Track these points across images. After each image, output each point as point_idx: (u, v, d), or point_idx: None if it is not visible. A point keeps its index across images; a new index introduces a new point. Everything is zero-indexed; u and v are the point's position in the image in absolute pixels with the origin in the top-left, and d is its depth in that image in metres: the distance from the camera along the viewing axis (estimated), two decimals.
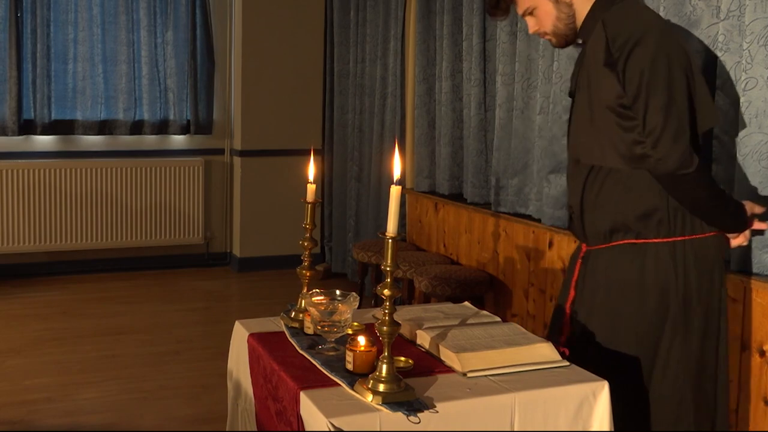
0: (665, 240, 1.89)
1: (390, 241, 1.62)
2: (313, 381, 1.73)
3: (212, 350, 3.72)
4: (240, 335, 2.14)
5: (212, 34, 5.33)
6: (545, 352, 1.74)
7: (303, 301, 2.09)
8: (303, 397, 1.67)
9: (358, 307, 1.89)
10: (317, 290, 1.99)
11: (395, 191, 1.62)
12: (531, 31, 2.04)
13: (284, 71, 5.29)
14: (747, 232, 1.98)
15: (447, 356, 1.75)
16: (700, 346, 1.91)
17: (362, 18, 4.86)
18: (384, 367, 1.63)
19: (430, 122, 4.18)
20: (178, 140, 5.37)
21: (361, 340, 1.75)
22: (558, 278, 3.12)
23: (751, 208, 1.97)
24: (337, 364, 1.79)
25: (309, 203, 2.18)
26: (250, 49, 5.19)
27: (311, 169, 2.22)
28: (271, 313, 2.31)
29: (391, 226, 1.64)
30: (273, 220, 5.32)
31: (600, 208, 1.93)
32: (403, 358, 1.76)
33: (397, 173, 1.64)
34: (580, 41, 2.02)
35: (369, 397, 1.58)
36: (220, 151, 5.44)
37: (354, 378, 1.69)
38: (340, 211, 5.16)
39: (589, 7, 1.95)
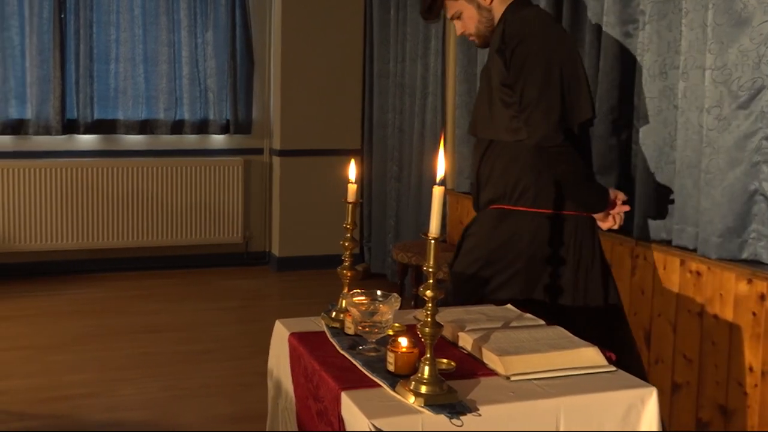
0: (529, 210, 2.24)
1: (432, 242, 1.63)
2: (354, 381, 1.74)
3: (250, 349, 3.76)
4: (280, 334, 2.17)
5: (251, 34, 5.40)
6: (591, 356, 1.72)
7: (344, 302, 2.11)
8: (344, 397, 1.68)
9: (399, 308, 1.91)
10: (358, 290, 2.00)
11: (438, 192, 1.62)
12: (458, 33, 2.38)
13: (323, 71, 5.32)
14: (618, 218, 2.31)
15: (490, 359, 1.74)
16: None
17: (402, 16, 4.88)
18: (426, 368, 1.63)
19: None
20: (218, 140, 5.45)
21: (403, 341, 1.76)
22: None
23: (615, 194, 2.29)
24: (378, 365, 1.80)
25: (350, 203, 2.19)
26: (289, 49, 5.25)
27: (353, 169, 2.24)
28: (310, 313, 2.33)
29: (434, 227, 1.64)
30: (312, 219, 5.36)
31: (490, 180, 2.30)
32: (445, 360, 1.76)
33: (440, 173, 1.64)
34: None
35: (411, 399, 1.58)
36: (260, 151, 5.50)
37: (395, 379, 1.70)
38: (379, 212, 5.18)
39: (501, 9, 2.28)
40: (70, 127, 5.10)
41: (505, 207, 2.27)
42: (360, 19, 5.37)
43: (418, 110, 4.68)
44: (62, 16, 4.98)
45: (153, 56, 5.22)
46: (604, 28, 3.01)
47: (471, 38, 2.38)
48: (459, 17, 2.32)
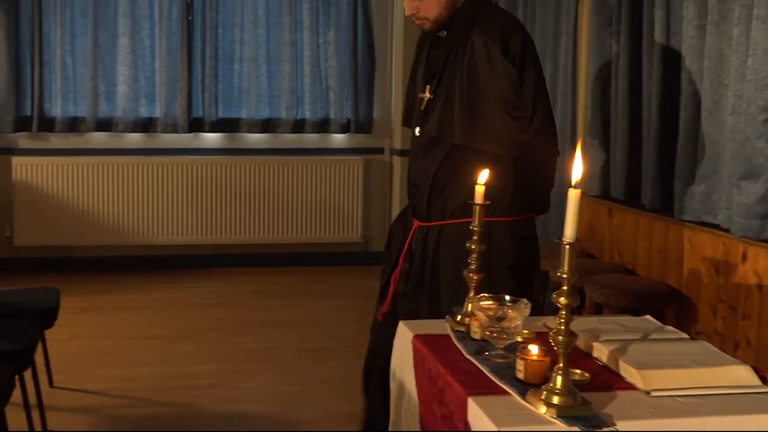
0: (505, 219, 2.25)
1: (568, 247, 1.60)
2: (481, 387, 1.74)
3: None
4: (404, 336, 2.20)
5: (373, 34, 5.49)
6: (742, 375, 1.64)
7: (470, 305, 2.11)
8: (471, 403, 1.69)
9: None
10: (485, 294, 2.00)
11: (574, 195, 1.59)
12: (408, 13, 2.26)
13: None
14: None
15: (628, 372, 1.70)
16: None
17: (531, 13, 4.81)
18: (559, 378, 1.61)
19: (603, 123, 4.05)
20: (339, 139, 5.58)
21: (534, 348, 1.74)
22: (753, 295, 2.93)
23: None
24: (506, 371, 1.79)
25: (477, 205, 2.19)
26: (411, 48, 5.27)
27: (485, 172, 2.23)
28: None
29: (569, 231, 1.61)
30: None
31: (455, 186, 2.22)
32: (578, 371, 1.73)
33: (577, 176, 1.62)
34: (443, 33, 2.28)
35: (542, 409, 1.57)
36: (380, 150, 5.59)
37: (525, 388, 1.69)
38: None
39: None
40: (196, 125, 5.39)
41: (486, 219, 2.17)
42: None
43: None
44: (189, 18, 5.28)
45: (275, 56, 5.43)
46: (753, 22, 2.86)
47: (421, 22, 2.27)
48: None
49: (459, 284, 2.14)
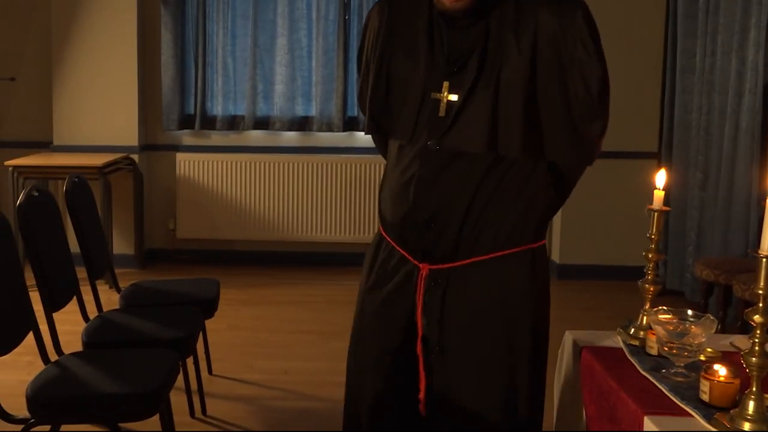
0: (525, 248, 1.77)
1: (764, 260, 1.52)
2: (659, 407, 1.69)
3: None
4: (570, 346, 2.16)
5: None
6: None
7: (645, 318, 2.05)
8: (648, 422, 1.64)
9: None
10: (663, 308, 1.93)
11: None
12: None
13: (616, 67, 5.12)
14: None
15: None
16: None
17: (714, 6, 4.56)
18: (751, 404, 1.53)
19: None
20: None
21: (721, 369, 1.66)
22: None
23: None
24: (688, 392, 1.72)
25: (655, 211, 2.12)
26: None
27: (661, 176, 2.16)
28: (595, 326, 2.30)
29: (767, 243, 1.53)
30: (597, 226, 5.25)
31: (496, 210, 1.73)
32: None
33: None
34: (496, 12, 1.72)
35: None
36: None
37: (710, 411, 1.62)
38: (678, 223, 4.91)
39: None
40: (351, 124, 5.56)
41: (526, 247, 1.77)
42: (662, 12, 5.13)
43: (730, 110, 4.34)
44: (346, 17, 5.45)
45: None
46: None
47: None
48: None
49: (496, 338, 1.74)
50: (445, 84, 1.71)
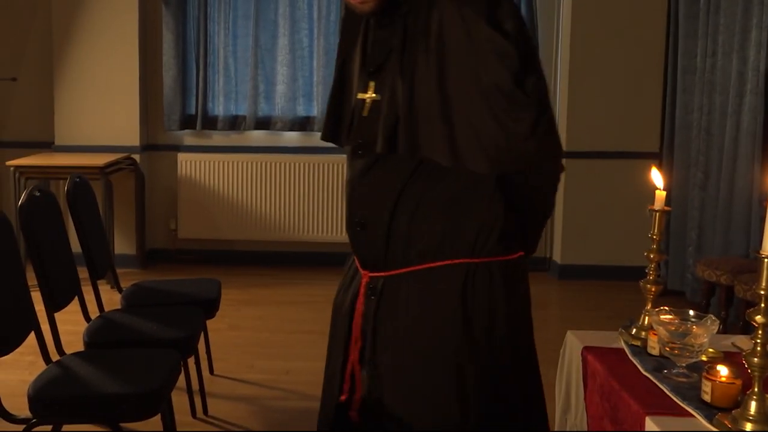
0: (493, 259, 1.64)
1: (766, 261, 1.52)
2: (661, 407, 1.69)
3: None
4: (572, 346, 2.16)
5: (537, 31, 5.42)
6: None
7: (647, 318, 2.05)
8: (649, 423, 1.64)
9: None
10: (665, 308, 1.93)
11: None
12: None
13: (617, 67, 5.17)
14: None
15: None
16: None
17: (715, 6, 4.56)
18: (753, 404, 1.53)
19: None
20: None
21: (723, 370, 1.66)
22: None
23: None
24: (689, 392, 1.72)
25: (657, 211, 2.12)
26: (579, 45, 5.18)
27: (658, 176, 2.16)
28: (597, 326, 2.30)
29: None
30: (598, 227, 5.25)
31: (425, 218, 1.59)
32: None
33: None
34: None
35: None
36: None
37: (712, 411, 1.62)
38: (679, 223, 4.90)
39: None
40: None
41: (471, 260, 1.62)
42: (662, 13, 5.12)
43: (731, 111, 4.34)
44: None
45: None
46: None
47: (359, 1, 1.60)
48: None
49: (429, 355, 1.60)
50: (371, 84, 1.65)
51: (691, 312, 1.90)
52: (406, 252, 1.60)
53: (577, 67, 5.22)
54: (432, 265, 1.60)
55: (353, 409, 1.67)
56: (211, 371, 3.50)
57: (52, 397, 2.11)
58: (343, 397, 1.68)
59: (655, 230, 2.10)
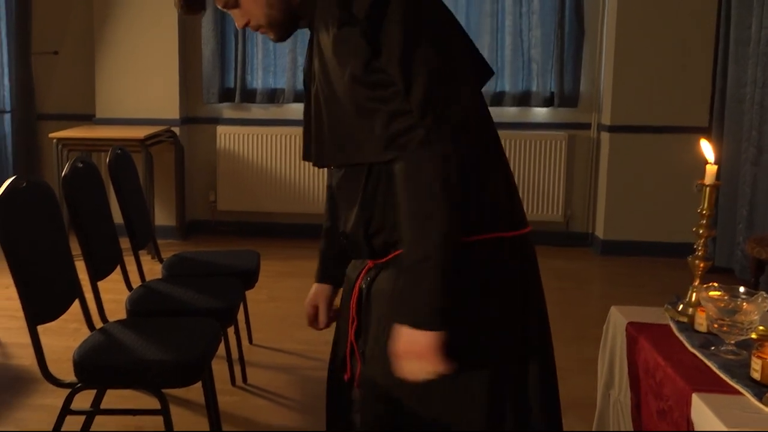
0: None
1: None
2: (708, 384, 1.67)
3: (570, 333, 3.74)
4: (616, 322, 2.14)
5: (583, 1, 5.31)
6: None
7: (695, 295, 2.01)
8: (696, 399, 1.62)
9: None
10: (714, 284, 1.90)
11: None
12: (239, 25, 1.66)
13: (666, 38, 5.05)
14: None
15: None
16: None
17: None
18: None
19: None
20: (541, 113, 5.49)
21: None
22: None
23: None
24: (738, 370, 1.70)
25: (707, 186, 2.07)
26: (626, 15, 5.07)
27: (710, 149, 2.11)
28: (640, 303, 2.26)
29: None
30: (642, 202, 5.17)
31: (381, 216, 1.54)
32: None
33: None
34: (303, 24, 1.63)
35: None
36: (586, 126, 5.42)
37: (761, 389, 1.59)
38: (729, 199, 4.80)
39: None
40: None
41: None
42: None
43: None
44: None
45: (475, 28, 5.41)
46: None
47: (262, 31, 1.65)
48: (235, 4, 1.62)
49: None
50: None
51: (742, 289, 1.86)
52: (385, 249, 1.58)
53: (623, 38, 5.11)
54: (391, 257, 1.58)
55: (357, 385, 1.68)
56: (251, 341, 3.55)
57: (96, 362, 2.16)
58: (346, 376, 1.69)
59: (705, 205, 2.05)
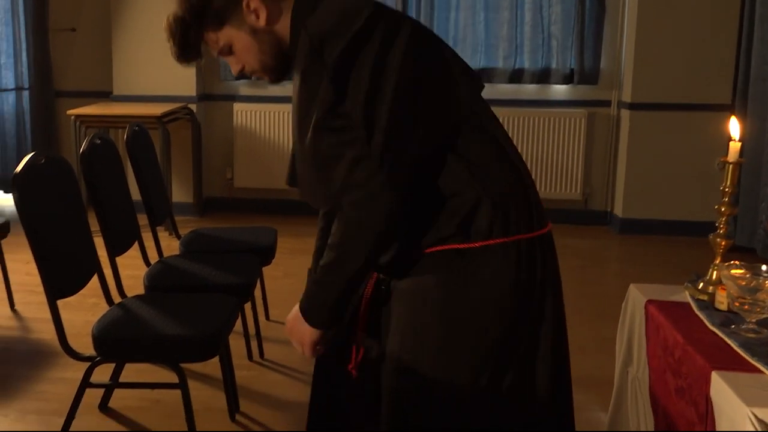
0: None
1: None
2: (728, 362, 1.65)
3: (588, 312, 3.72)
4: (635, 300, 2.13)
5: None
6: None
7: (715, 273, 1.99)
8: (715, 377, 1.61)
9: None
10: (735, 262, 1.88)
11: None
12: (235, 72, 1.74)
13: (688, 14, 4.98)
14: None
15: None
16: None
17: None
18: None
19: None
20: (560, 90, 5.44)
21: None
22: None
23: None
24: (759, 348, 1.68)
25: (731, 163, 2.05)
26: None
27: (737, 126, 2.08)
28: (658, 281, 2.25)
29: None
30: (662, 180, 5.12)
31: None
32: None
33: None
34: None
35: None
36: (606, 103, 5.36)
37: None
38: (751, 178, 4.75)
39: (289, 23, 1.62)
40: None
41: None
42: None
43: None
44: None
45: (494, 3, 5.36)
46: None
47: (257, 75, 1.71)
48: (230, 52, 1.69)
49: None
50: None
51: (764, 267, 1.84)
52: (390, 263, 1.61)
53: (645, 14, 5.04)
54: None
55: (353, 366, 1.68)
56: (267, 317, 3.57)
57: (115, 336, 2.18)
58: (351, 368, 1.68)
59: (728, 183, 2.03)
